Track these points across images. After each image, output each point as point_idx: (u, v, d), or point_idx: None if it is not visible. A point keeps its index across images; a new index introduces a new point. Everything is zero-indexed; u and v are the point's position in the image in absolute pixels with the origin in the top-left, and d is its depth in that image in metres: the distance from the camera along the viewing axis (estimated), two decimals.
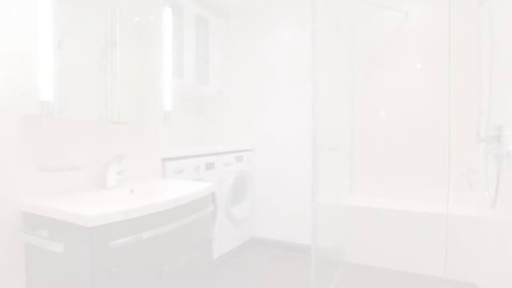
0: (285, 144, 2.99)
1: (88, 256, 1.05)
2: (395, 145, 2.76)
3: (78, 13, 1.38)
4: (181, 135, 3.06)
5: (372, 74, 2.84)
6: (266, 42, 3.04)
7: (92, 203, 1.35)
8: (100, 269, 1.06)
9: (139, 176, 1.80)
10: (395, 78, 2.75)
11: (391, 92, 2.77)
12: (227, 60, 3.16)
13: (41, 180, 1.32)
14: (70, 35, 1.33)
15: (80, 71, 1.39)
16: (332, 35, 2.53)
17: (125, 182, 1.63)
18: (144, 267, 1.21)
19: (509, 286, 1.60)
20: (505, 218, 1.68)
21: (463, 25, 2.42)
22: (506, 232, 1.67)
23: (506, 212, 1.67)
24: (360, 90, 2.89)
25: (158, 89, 1.76)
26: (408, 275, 2.41)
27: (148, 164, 1.87)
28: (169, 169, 2.04)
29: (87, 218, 1.03)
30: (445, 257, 2.07)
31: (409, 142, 2.71)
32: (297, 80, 2.92)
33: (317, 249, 2.09)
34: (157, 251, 1.26)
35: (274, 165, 3.05)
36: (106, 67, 1.47)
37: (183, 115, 2.92)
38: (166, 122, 1.75)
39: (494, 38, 1.91)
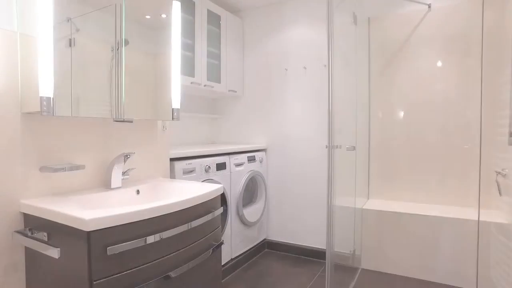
0: (300, 144, 2.88)
1: (86, 262, 0.98)
2: (415, 146, 2.62)
3: (90, 11, 1.34)
4: (192, 135, 3.00)
5: (390, 71, 2.70)
6: (281, 38, 2.94)
7: (94, 204, 1.29)
8: (99, 275, 0.99)
9: (146, 177, 1.74)
10: (415, 75, 2.61)
11: (411, 90, 2.63)
12: (239, 58, 3.08)
13: (42, 180, 1.27)
14: (83, 33, 1.30)
15: (91, 69, 1.34)
16: (348, 30, 2.42)
17: (130, 183, 1.57)
18: (148, 273, 1.13)
19: None
20: None
21: (491, 18, 2.27)
22: None
23: None
24: (378, 88, 2.76)
25: (166, 87, 1.69)
26: (432, 285, 2.26)
27: (156, 164, 1.80)
28: (178, 169, 1.97)
29: (84, 222, 0.97)
30: (475, 268, 1.92)
31: (430, 143, 2.56)
32: (312, 78, 2.82)
33: (332, 255, 2.00)
34: (163, 256, 1.19)
35: (288, 166, 2.94)
36: (115, 65, 1.42)
37: (194, 114, 2.85)
38: (174, 120, 1.67)
39: None
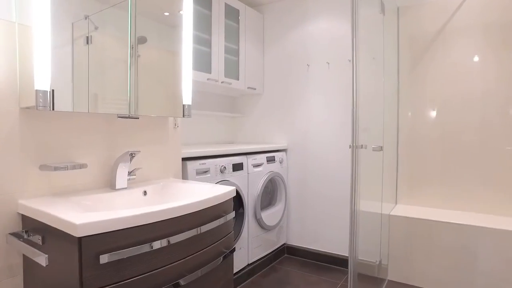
0: (322, 144, 2.72)
1: (76, 271, 0.89)
2: (449, 147, 2.39)
3: (105, 8, 1.29)
4: (210, 135, 2.90)
5: (422, 65, 2.49)
6: (302, 33, 2.79)
7: (95, 206, 1.21)
8: (91, 286, 0.90)
9: (155, 177, 1.65)
10: (450, 69, 2.38)
11: (445, 86, 2.40)
12: (259, 54, 2.95)
13: (42, 179, 1.20)
14: (100, 31, 1.26)
15: (105, 66, 1.28)
16: (375, 21, 2.24)
17: (137, 183, 1.48)
18: (150, 283, 1.03)
19: None
20: None
21: None
22: None
23: None
24: (408, 83, 2.55)
25: (178, 83, 1.59)
26: None
27: (166, 163, 1.71)
28: (191, 169, 1.87)
29: (74, 226, 0.87)
30: None
31: (467, 143, 2.33)
32: (335, 73, 2.65)
33: (356, 263, 1.84)
34: (166, 265, 1.08)
35: (309, 167, 2.79)
36: (129, 61, 1.34)
37: (211, 112, 2.76)
38: (186, 118, 1.57)
39: None
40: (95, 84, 1.25)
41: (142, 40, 1.46)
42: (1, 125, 1.09)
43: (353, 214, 1.80)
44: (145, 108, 1.44)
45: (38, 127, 1.19)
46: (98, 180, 1.37)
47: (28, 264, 1.13)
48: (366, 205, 1.97)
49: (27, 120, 1.16)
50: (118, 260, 0.94)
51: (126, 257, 0.96)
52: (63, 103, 1.13)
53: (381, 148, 2.00)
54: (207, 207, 1.26)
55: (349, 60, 2.57)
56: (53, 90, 1.08)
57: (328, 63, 2.67)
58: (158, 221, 1.05)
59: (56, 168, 1.18)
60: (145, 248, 1.00)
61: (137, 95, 1.39)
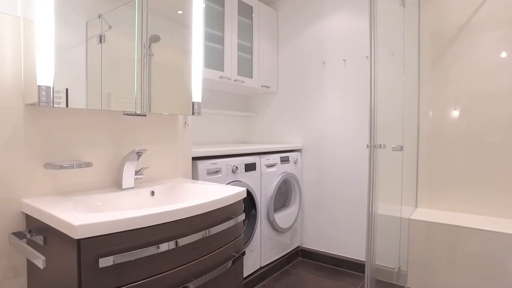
0: (339, 144, 2.63)
1: (75, 275, 0.84)
2: (474, 148, 2.25)
3: (121, 8, 1.29)
4: (223, 134, 2.86)
5: (445, 61, 2.36)
6: (318, 29, 2.70)
7: (100, 206, 1.17)
8: None
9: (164, 177, 1.60)
10: (475, 66, 2.24)
11: (470, 83, 2.27)
12: (273, 51, 2.89)
13: (47, 177, 1.17)
14: (114, 30, 1.26)
15: (117, 64, 1.27)
16: (395, 15, 2.13)
17: (145, 183, 1.44)
18: (157, 287, 0.98)
19: None
20: None
21: None
22: None
23: None
24: (430, 80, 2.42)
25: (187, 80, 1.54)
26: None
27: (175, 163, 1.66)
28: (201, 169, 1.82)
29: (73, 228, 0.83)
30: None
31: (494, 144, 2.19)
32: (352, 71, 2.55)
33: (373, 268, 1.75)
34: (172, 269, 1.03)
35: (325, 168, 2.69)
36: (136, 58, 1.31)
37: (224, 111, 2.71)
38: (195, 116, 1.52)
39: None
40: (107, 82, 1.22)
41: (155, 39, 1.44)
42: (6, 122, 1.07)
43: (371, 217, 1.72)
44: (154, 106, 1.39)
45: (43, 124, 1.16)
46: (105, 179, 1.33)
47: (32, 265, 1.10)
48: (384, 208, 1.87)
49: (32, 117, 1.13)
50: (120, 264, 0.89)
51: (129, 261, 0.91)
52: (75, 101, 1.11)
53: (401, 148, 1.90)
54: (215, 208, 1.20)
55: (367, 57, 2.47)
56: (67, 89, 1.09)
57: (345, 60, 2.58)
58: (163, 223, 1.00)
59: (61, 167, 1.15)
60: (149, 251, 0.95)
61: (149, 94, 1.35)
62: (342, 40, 2.59)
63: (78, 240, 0.84)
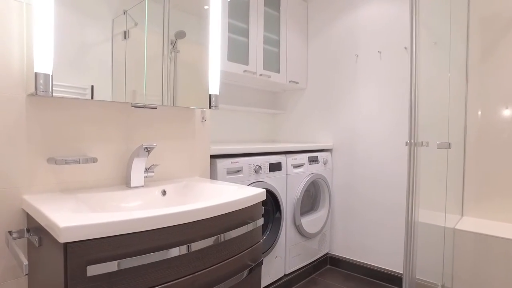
0: (373, 143, 2.41)
1: (61, 283, 0.74)
2: None
3: (147, 4, 1.25)
4: (248, 132, 2.73)
5: (498, 53, 2.07)
6: (350, 20, 2.50)
7: (104, 206, 1.08)
8: None
9: (178, 175, 1.49)
10: None
11: None
12: (303, 45, 2.72)
13: (50, 173, 1.10)
14: (139, 27, 1.23)
15: (140, 61, 1.22)
16: (439, 4, 1.90)
17: (156, 182, 1.34)
18: None
19: None
20: None
21: None
22: None
23: None
24: (480, 74, 2.14)
25: (204, 70, 1.43)
26: None
27: (191, 161, 1.55)
28: (220, 168, 1.70)
29: (58, 230, 0.73)
30: None
31: None
32: (389, 63, 2.32)
33: (413, 282, 1.57)
34: (177, 279, 0.91)
35: (358, 169, 2.48)
36: (145, 53, 1.23)
37: (249, 108, 2.57)
38: (213, 109, 1.40)
39: None
40: (131, 78, 1.18)
41: (181, 35, 1.37)
42: (7, 113, 1.00)
43: (410, 225, 1.53)
44: (166, 99, 1.29)
45: (46, 116, 1.08)
46: (113, 176, 1.24)
47: (31, 266, 1.02)
48: (425, 215, 1.66)
49: (34, 108, 1.06)
50: (113, 273, 0.79)
51: (124, 269, 0.80)
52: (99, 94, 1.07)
53: (449, 145, 1.66)
54: (228, 211, 1.07)
55: (405, 47, 2.23)
56: (92, 86, 1.08)
57: (380, 52, 2.36)
58: (165, 227, 0.88)
59: (65, 162, 1.07)
60: (148, 259, 0.84)
61: (156, 86, 1.26)
62: (377, 30, 2.37)
63: (65, 244, 0.73)
